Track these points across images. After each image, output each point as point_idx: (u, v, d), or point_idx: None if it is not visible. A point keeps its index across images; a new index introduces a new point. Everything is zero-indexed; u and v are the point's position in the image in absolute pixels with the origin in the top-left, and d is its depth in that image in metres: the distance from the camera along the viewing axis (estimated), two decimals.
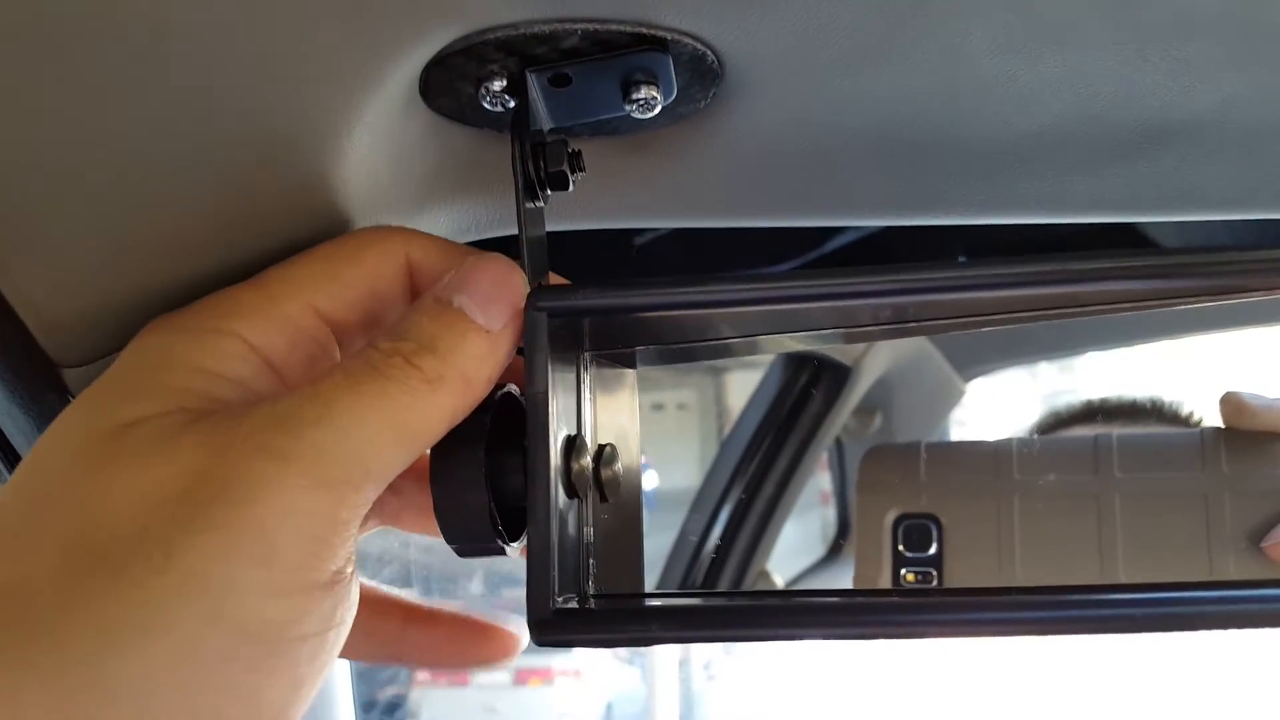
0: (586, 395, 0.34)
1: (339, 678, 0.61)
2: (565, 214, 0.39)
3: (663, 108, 0.32)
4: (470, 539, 0.32)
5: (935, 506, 0.56)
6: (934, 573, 0.56)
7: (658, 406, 2.23)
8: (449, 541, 0.33)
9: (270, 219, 0.32)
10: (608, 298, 0.32)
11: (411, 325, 0.30)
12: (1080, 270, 0.30)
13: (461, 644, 0.36)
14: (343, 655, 0.35)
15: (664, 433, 2.11)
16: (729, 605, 0.35)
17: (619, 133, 0.35)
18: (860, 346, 1.00)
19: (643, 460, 0.38)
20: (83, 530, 0.26)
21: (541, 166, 0.33)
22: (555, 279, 0.34)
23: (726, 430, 1.11)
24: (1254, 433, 0.51)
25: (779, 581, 1.09)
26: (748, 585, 1.03)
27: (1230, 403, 0.52)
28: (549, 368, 0.31)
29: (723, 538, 1.02)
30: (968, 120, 0.35)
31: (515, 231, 0.33)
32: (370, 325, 0.32)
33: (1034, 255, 0.30)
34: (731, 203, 0.41)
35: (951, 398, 1.16)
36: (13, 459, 0.38)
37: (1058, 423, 0.90)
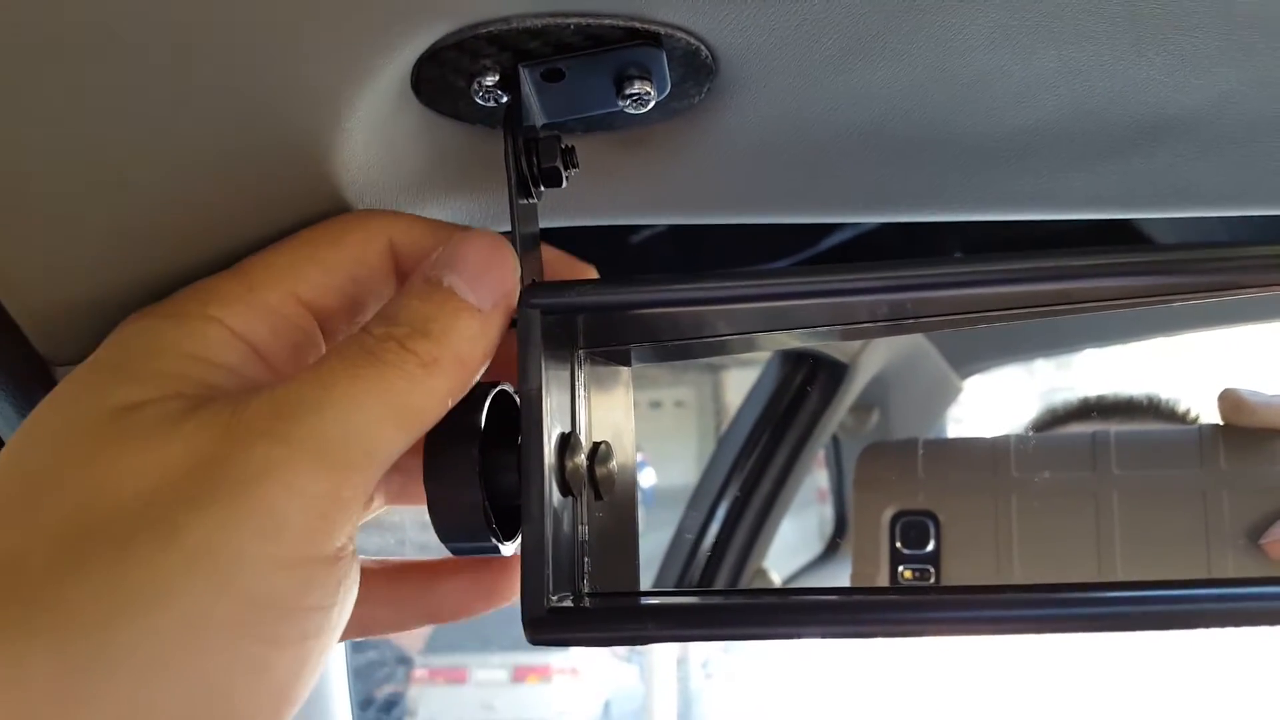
0: (581, 393, 0.34)
1: (335, 675, 0.61)
2: (559, 210, 0.39)
3: (656, 103, 0.32)
4: (465, 537, 0.32)
5: (933, 504, 0.56)
6: (931, 570, 0.56)
7: (655, 404, 2.24)
8: (443, 540, 0.33)
9: (262, 215, 0.32)
10: (602, 294, 0.32)
11: (403, 308, 0.30)
12: (1076, 266, 0.30)
13: (486, 585, 0.36)
14: (375, 632, 0.36)
15: (661, 430, 2.11)
16: (725, 604, 0.35)
17: (613, 128, 0.35)
18: (857, 344, 1.00)
19: (640, 458, 0.38)
20: (86, 506, 0.26)
21: (534, 162, 0.33)
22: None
23: (724, 428, 1.11)
24: (1252, 429, 0.51)
25: (776, 579, 1.09)
26: (745, 583, 1.03)
27: (1228, 399, 0.52)
28: (543, 365, 0.31)
29: (719, 535, 1.03)
30: (962, 116, 0.35)
31: (509, 228, 0.33)
32: (355, 310, 0.32)
33: (1030, 251, 0.30)
34: (726, 199, 0.41)
35: (948, 395, 1.16)
36: None
37: (1055, 420, 0.90)
